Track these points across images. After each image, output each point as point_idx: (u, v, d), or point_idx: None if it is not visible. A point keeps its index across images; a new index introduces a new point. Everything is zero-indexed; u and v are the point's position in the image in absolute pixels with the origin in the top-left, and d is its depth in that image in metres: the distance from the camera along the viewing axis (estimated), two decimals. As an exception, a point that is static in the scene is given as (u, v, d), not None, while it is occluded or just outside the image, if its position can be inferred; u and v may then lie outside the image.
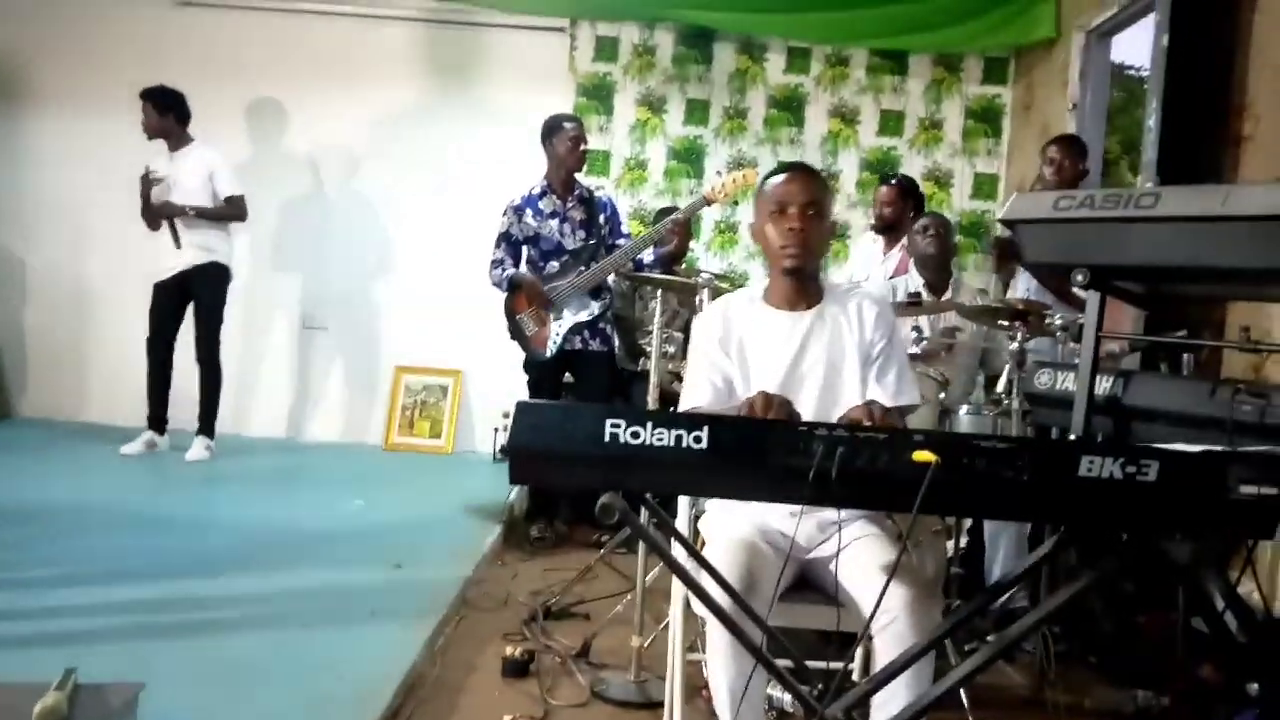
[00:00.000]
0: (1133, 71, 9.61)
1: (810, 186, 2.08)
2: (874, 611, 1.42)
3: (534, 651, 2.82)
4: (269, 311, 5.99)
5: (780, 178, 2.11)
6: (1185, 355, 2.70)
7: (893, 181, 4.72)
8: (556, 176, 4.23)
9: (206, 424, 5.02)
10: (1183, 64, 3.64)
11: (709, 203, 3.83)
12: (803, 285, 2.14)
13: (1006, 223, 1.94)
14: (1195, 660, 2.83)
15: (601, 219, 4.24)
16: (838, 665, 1.97)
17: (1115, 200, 1.77)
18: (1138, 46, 9.21)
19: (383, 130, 5.89)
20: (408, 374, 5.93)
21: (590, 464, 1.39)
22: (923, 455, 1.34)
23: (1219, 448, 1.40)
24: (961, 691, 2.55)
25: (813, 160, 5.89)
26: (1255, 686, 1.66)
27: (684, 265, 4.87)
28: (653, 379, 2.81)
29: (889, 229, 4.60)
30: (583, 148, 4.23)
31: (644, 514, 2.75)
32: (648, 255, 4.12)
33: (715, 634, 1.73)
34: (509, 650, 2.76)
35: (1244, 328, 1.88)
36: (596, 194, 4.35)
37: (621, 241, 4.18)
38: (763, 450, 1.38)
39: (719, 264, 5.88)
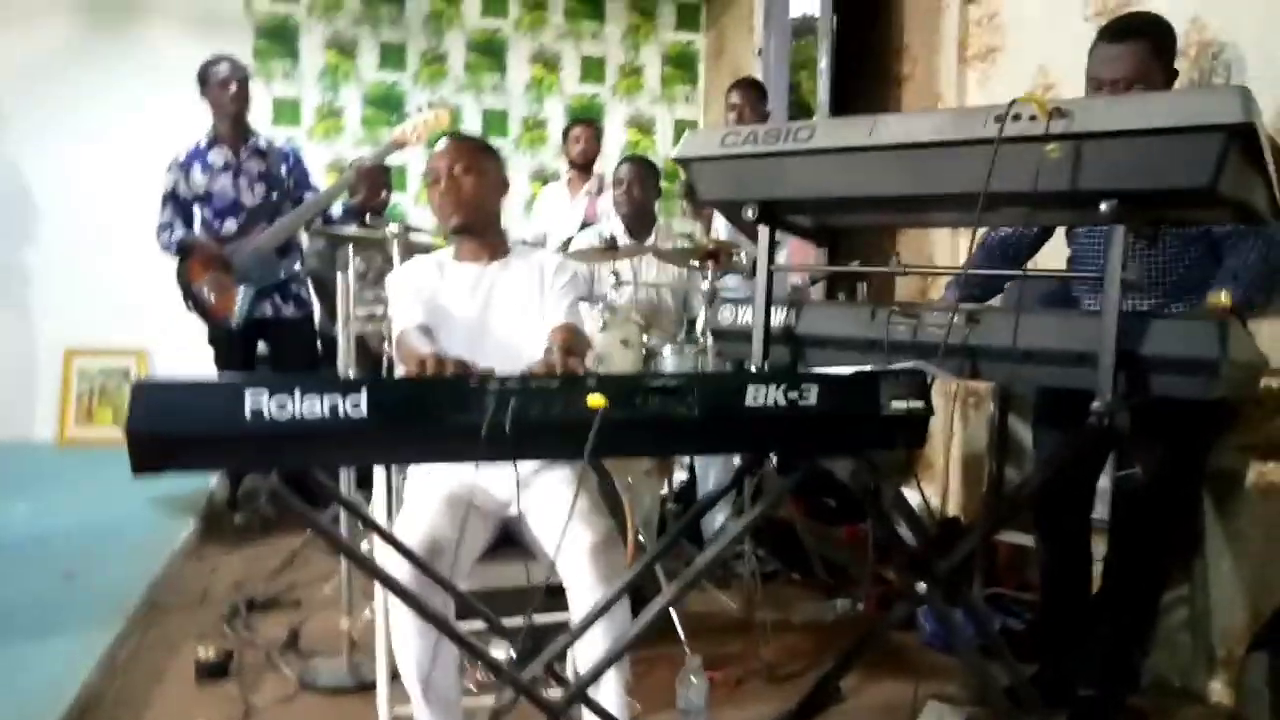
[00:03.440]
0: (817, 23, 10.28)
1: (456, 149, 2.17)
2: (551, 565, 1.37)
3: (232, 650, 2.58)
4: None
5: (435, 149, 2.20)
6: (860, 284, 2.89)
7: (587, 121, 4.83)
8: (223, 126, 3.79)
9: None
10: (847, 10, 3.87)
11: (400, 145, 3.50)
12: (480, 240, 2.21)
13: (680, 161, 1.94)
14: (886, 566, 3.10)
15: (283, 170, 3.86)
16: (544, 621, 1.97)
17: (776, 135, 1.81)
18: (818, -3, 9.82)
19: (27, 80, 5.12)
20: (80, 357, 5.25)
21: (231, 445, 1.22)
22: (594, 400, 1.31)
23: (871, 367, 1.46)
24: (677, 622, 2.63)
25: (517, 107, 5.81)
26: (923, 585, 1.78)
27: (385, 218, 4.60)
28: (341, 343, 2.61)
29: (584, 167, 4.67)
30: (234, 89, 3.75)
31: (346, 485, 2.62)
32: (337, 208, 3.83)
33: (396, 612, 1.64)
34: (202, 652, 2.50)
35: (895, 253, 1.99)
36: (276, 145, 3.97)
37: (308, 196, 3.83)
38: (430, 410, 1.28)
39: (430, 217, 5.65)
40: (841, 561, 3.33)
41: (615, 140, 5.85)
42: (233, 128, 3.80)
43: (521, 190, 5.55)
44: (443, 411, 1.28)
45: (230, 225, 3.77)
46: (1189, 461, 2.21)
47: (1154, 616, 2.29)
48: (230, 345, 3.80)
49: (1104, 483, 2.36)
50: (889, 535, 1.76)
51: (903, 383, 1.44)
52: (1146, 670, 2.38)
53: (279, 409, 1.22)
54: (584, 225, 4.36)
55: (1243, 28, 2.39)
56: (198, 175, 3.78)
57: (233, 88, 3.75)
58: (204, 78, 3.80)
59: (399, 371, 2.13)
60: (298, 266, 3.89)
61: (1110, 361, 1.52)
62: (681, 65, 5.98)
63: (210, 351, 3.92)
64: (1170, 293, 2.12)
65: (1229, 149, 1.38)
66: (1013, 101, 1.53)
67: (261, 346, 3.93)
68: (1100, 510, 2.37)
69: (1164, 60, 2.10)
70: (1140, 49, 2.07)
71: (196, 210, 3.82)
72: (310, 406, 1.23)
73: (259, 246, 3.68)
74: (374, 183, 4.06)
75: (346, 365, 2.65)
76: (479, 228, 2.18)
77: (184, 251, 3.73)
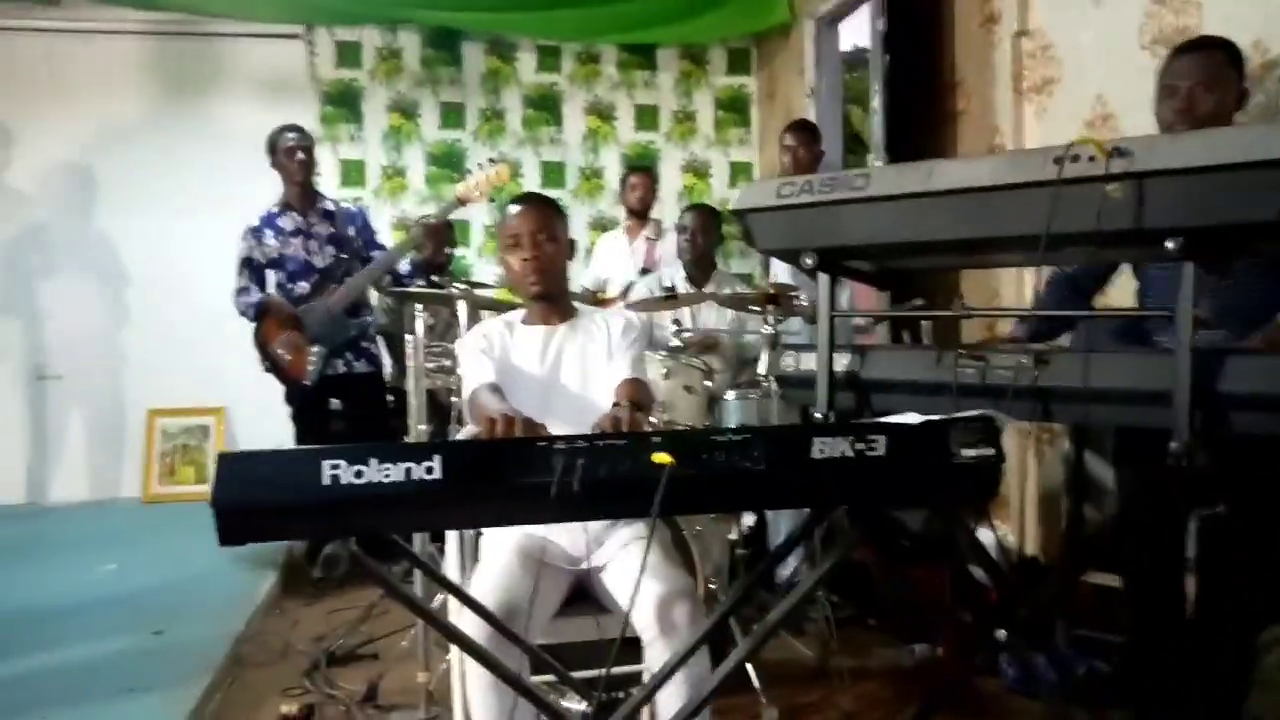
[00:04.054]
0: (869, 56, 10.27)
1: (538, 215, 2.17)
2: (626, 619, 1.38)
3: (314, 705, 2.63)
4: (-8, 365, 5.34)
5: (513, 210, 2.20)
6: (923, 325, 2.87)
7: (643, 169, 4.92)
8: (292, 192, 3.97)
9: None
10: (898, 46, 3.87)
11: (463, 202, 3.63)
12: (553, 304, 2.23)
13: (737, 213, 1.97)
14: (963, 610, 3.03)
15: (351, 231, 4.01)
16: (619, 673, 1.97)
17: (832, 184, 1.83)
18: (865, 31, 9.81)
19: (111, 154, 5.38)
20: (162, 417, 5.44)
21: (310, 513, 1.26)
22: (660, 458, 1.32)
23: (939, 416, 1.45)
24: (752, 673, 2.60)
25: (574, 158, 5.91)
26: (1003, 632, 1.75)
27: (450, 274, 4.71)
28: (411, 401, 2.67)
29: (640, 214, 4.75)
30: (301, 156, 3.93)
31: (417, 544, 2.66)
32: (404, 265, 3.94)
33: (471, 669, 1.66)
34: (284, 708, 2.56)
35: (960, 295, 1.98)
36: (344, 206, 4.11)
37: (376, 255, 3.96)
38: (500, 472, 1.31)
39: (494, 270, 5.76)
40: (919, 605, 3.26)
41: (671, 185, 5.91)
42: (301, 193, 3.96)
43: (581, 238, 5.63)
44: (512, 473, 1.31)
45: (303, 287, 3.91)
46: (1276, 496, 2.14)
47: (1250, 658, 2.20)
48: (305, 402, 3.93)
49: (1193, 523, 2.29)
50: (966, 578, 1.73)
51: (972, 430, 1.42)
52: (1245, 714, 2.28)
53: (355, 476, 1.26)
54: (643, 271, 4.40)
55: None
56: (270, 240, 3.93)
57: (300, 155, 3.92)
58: (272, 146, 3.97)
59: (468, 429, 2.16)
60: (370, 322, 4.00)
61: (1185, 400, 1.50)
62: (734, 109, 6.04)
63: (285, 409, 4.05)
64: (1245, 327, 2.07)
65: (1297, 182, 1.36)
66: (1071, 143, 1.53)
67: (336, 402, 4.04)
68: (1191, 549, 2.29)
69: (1237, 72, 2.11)
70: (1216, 57, 2.11)
71: (270, 274, 3.98)
72: (385, 473, 1.27)
73: (330, 306, 3.81)
74: (439, 239, 4.19)
75: (417, 421, 2.70)
76: (555, 294, 2.22)
77: (260, 314, 3.88)
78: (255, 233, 3.95)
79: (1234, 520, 2.02)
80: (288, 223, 3.96)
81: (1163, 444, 1.50)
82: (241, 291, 3.94)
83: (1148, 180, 1.47)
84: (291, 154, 3.92)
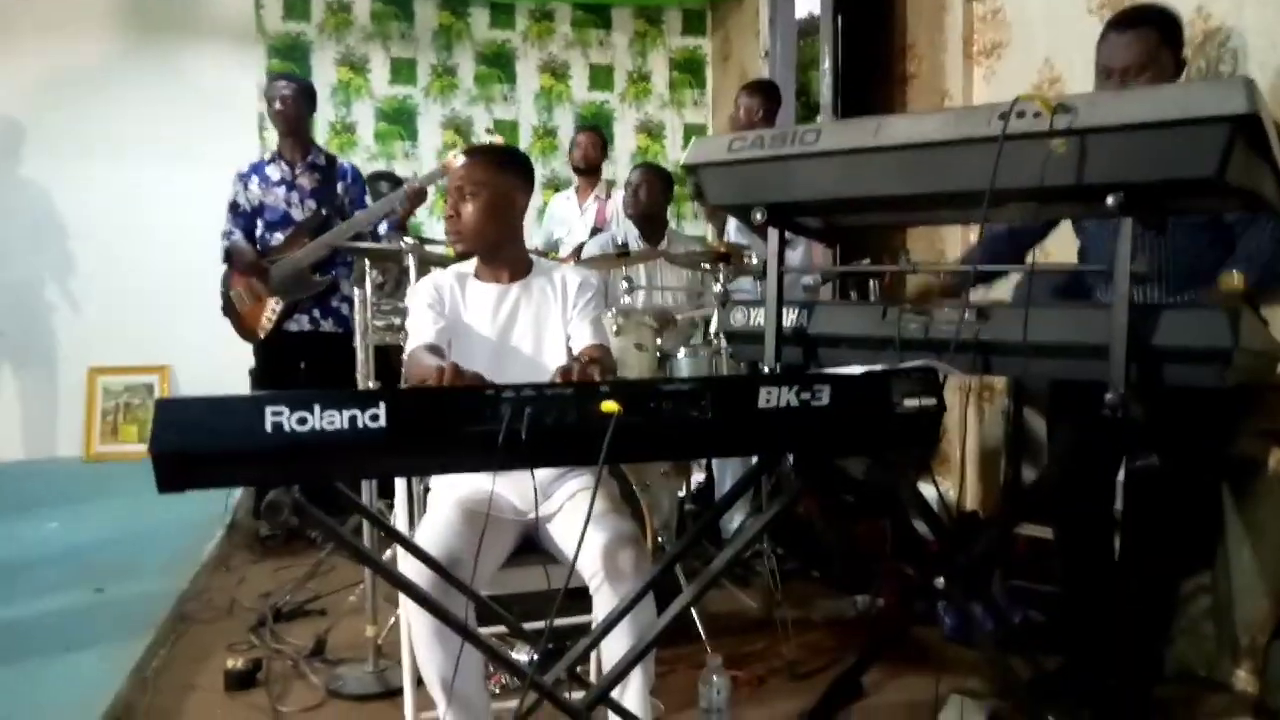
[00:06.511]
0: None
1: (462, 170, 2.11)
2: (572, 566, 1.39)
3: (261, 659, 2.62)
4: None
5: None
6: (871, 281, 2.89)
7: (590, 128, 4.86)
8: (283, 143, 3.94)
9: None
10: (851, 8, 3.87)
11: (447, 172, 3.56)
12: (501, 260, 2.17)
13: (688, 167, 1.96)
14: (903, 562, 3.10)
15: (340, 188, 3.94)
16: (568, 624, 1.99)
17: (782, 139, 1.83)
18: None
19: (47, 102, 5.20)
20: (104, 375, 5.33)
21: (253, 460, 1.25)
22: (608, 406, 1.32)
23: (883, 367, 1.48)
24: (698, 623, 2.65)
25: (527, 116, 5.84)
26: (941, 580, 1.79)
27: (406, 230, 4.63)
28: (359, 355, 2.65)
29: (588, 171, 4.69)
30: (279, 106, 3.86)
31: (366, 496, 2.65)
32: (383, 228, 3.86)
33: (415, 618, 1.67)
34: (231, 662, 2.54)
35: (905, 250, 2.00)
36: (340, 162, 4.03)
37: (358, 215, 3.84)
38: (448, 419, 1.30)
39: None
40: (861, 558, 3.34)
41: (625, 146, 5.89)
42: (292, 145, 3.91)
43: (534, 199, 5.58)
44: (460, 421, 1.30)
45: (278, 238, 3.87)
46: (1206, 449, 2.21)
47: (1174, 606, 2.29)
48: (268, 359, 3.91)
49: (1123, 474, 2.36)
50: (907, 530, 1.77)
51: (914, 381, 1.45)
52: (1170, 660, 2.38)
53: (299, 423, 1.24)
54: (594, 231, 4.38)
55: (1246, 16, 2.39)
56: (255, 187, 3.89)
57: (278, 105, 3.86)
58: (266, 96, 3.95)
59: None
60: (336, 278, 3.91)
61: (1121, 353, 1.53)
62: (689, 70, 6.01)
63: (234, 368, 3.99)
64: (1182, 282, 2.12)
65: (1235, 139, 1.39)
66: (1016, 99, 1.55)
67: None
68: (1120, 501, 2.37)
69: (1173, 49, 2.12)
70: (1149, 37, 2.09)
71: (258, 223, 3.92)
72: (330, 420, 1.26)
73: (298, 260, 3.77)
74: (418, 204, 4.09)
75: (366, 376, 2.68)
76: (485, 253, 2.15)
77: (228, 258, 3.85)
78: (243, 178, 3.92)
79: (1162, 471, 2.09)
80: (274, 172, 3.90)
81: (1097, 397, 1.54)
82: (225, 235, 3.90)
83: (1090, 136, 1.49)
84: (272, 103, 3.88)
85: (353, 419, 1.26)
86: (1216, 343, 1.49)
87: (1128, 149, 1.48)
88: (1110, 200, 1.50)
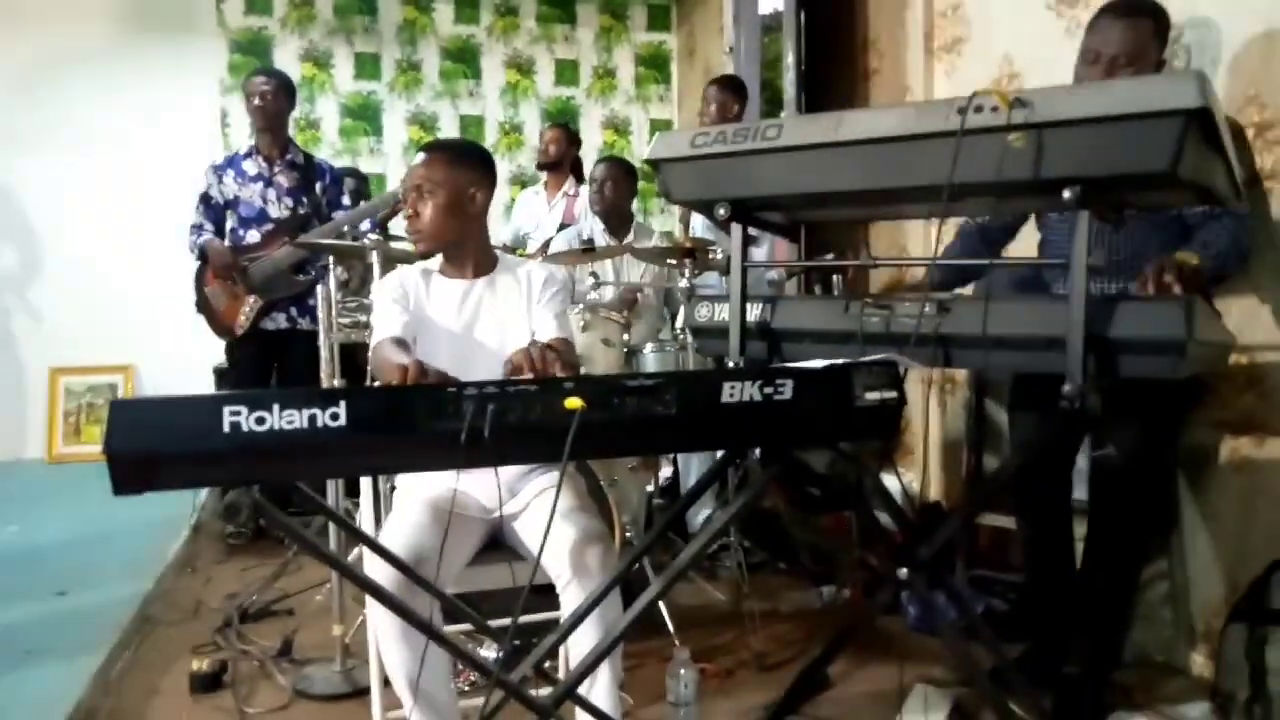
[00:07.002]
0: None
1: (419, 170, 2.06)
2: (536, 563, 1.39)
3: (227, 661, 2.60)
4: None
5: None
6: (835, 276, 2.92)
7: (558, 125, 4.79)
8: (259, 139, 3.85)
9: None
10: (814, 6, 3.89)
11: None
12: (464, 257, 2.14)
13: (651, 162, 1.96)
14: (868, 553, 3.13)
15: (318, 188, 3.87)
16: (535, 620, 1.99)
17: (745, 134, 1.83)
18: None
19: (6, 95, 5.10)
20: (66, 375, 5.24)
21: (210, 461, 1.23)
22: (572, 402, 1.32)
23: (844, 360, 1.49)
24: (666, 616, 2.66)
25: (493, 112, 5.82)
26: (904, 571, 1.81)
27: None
28: (323, 353, 2.63)
29: (553, 167, 4.65)
30: (256, 102, 3.78)
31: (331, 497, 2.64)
32: (365, 227, 3.81)
33: (380, 618, 1.66)
34: (196, 664, 2.51)
35: (866, 244, 2.02)
36: (318, 161, 3.96)
37: (338, 216, 3.76)
38: (409, 417, 1.30)
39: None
40: (827, 550, 3.37)
41: (592, 142, 5.87)
42: (268, 141, 3.83)
43: (500, 194, 5.55)
44: (421, 419, 1.29)
45: (253, 235, 3.80)
46: (1162, 439, 2.25)
47: (1133, 593, 2.33)
48: (242, 358, 3.87)
49: (1082, 463, 2.40)
50: (871, 522, 1.79)
51: (875, 374, 1.46)
52: (1129, 646, 2.42)
53: (257, 423, 1.23)
54: (562, 226, 4.37)
55: (1201, 10, 2.42)
56: (230, 181, 3.82)
57: (255, 100, 3.79)
58: (245, 91, 3.87)
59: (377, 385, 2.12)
60: (316, 278, 3.86)
61: (1079, 345, 1.56)
62: (654, 65, 6.01)
63: (198, 367, 3.95)
64: (1136, 274, 2.15)
65: (1187, 133, 1.41)
66: (974, 94, 1.56)
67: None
68: (1080, 491, 2.40)
69: (1160, 44, 2.11)
70: (1144, 29, 2.07)
71: (229, 217, 3.86)
72: (289, 419, 1.24)
73: (278, 260, 3.72)
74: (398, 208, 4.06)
75: (330, 375, 2.66)
76: (447, 251, 2.12)
77: (203, 255, 3.78)
78: (217, 170, 3.84)
79: (1123, 462, 2.12)
80: (251, 167, 3.83)
81: (1056, 390, 1.56)
82: (195, 229, 3.82)
83: (1046, 131, 1.51)
84: (251, 98, 3.81)
85: (312, 418, 1.25)
86: (1171, 334, 1.52)
87: (1083, 143, 1.50)
88: (1067, 194, 1.52)
